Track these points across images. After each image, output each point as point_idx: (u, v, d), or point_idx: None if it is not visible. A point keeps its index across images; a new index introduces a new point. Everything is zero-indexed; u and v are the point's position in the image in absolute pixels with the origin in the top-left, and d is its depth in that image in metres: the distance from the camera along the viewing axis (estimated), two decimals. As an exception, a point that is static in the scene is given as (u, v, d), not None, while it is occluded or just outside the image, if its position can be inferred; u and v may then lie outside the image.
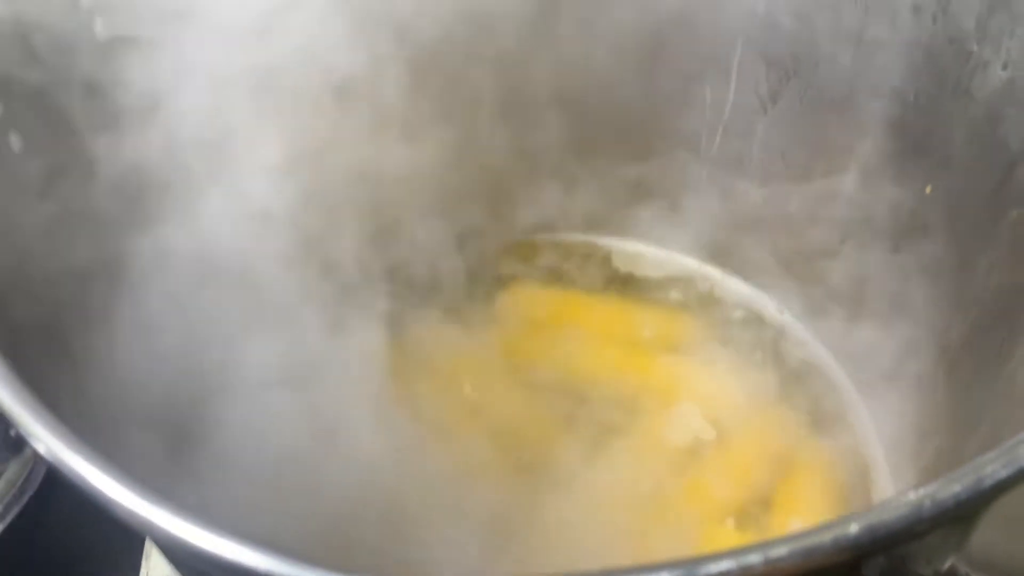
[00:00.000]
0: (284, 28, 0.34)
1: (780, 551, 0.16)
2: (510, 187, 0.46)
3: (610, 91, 0.44)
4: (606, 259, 0.49)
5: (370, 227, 0.40)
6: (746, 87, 0.42)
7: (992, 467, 0.17)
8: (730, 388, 0.44)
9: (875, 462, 0.41)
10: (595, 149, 0.45)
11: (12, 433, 0.38)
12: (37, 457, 0.39)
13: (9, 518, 0.38)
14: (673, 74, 0.43)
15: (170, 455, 0.29)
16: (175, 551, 0.24)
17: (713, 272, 0.48)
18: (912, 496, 0.17)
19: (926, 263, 0.38)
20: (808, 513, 0.39)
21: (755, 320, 0.47)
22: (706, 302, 0.48)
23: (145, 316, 0.31)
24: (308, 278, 0.37)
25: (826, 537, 0.16)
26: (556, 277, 0.48)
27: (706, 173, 0.46)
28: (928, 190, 0.37)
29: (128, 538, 0.39)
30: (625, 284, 0.48)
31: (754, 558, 0.16)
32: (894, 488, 0.40)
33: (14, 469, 0.39)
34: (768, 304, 0.47)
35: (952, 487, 0.17)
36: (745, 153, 0.44)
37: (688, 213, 0.47)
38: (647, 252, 0.49)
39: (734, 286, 0.48)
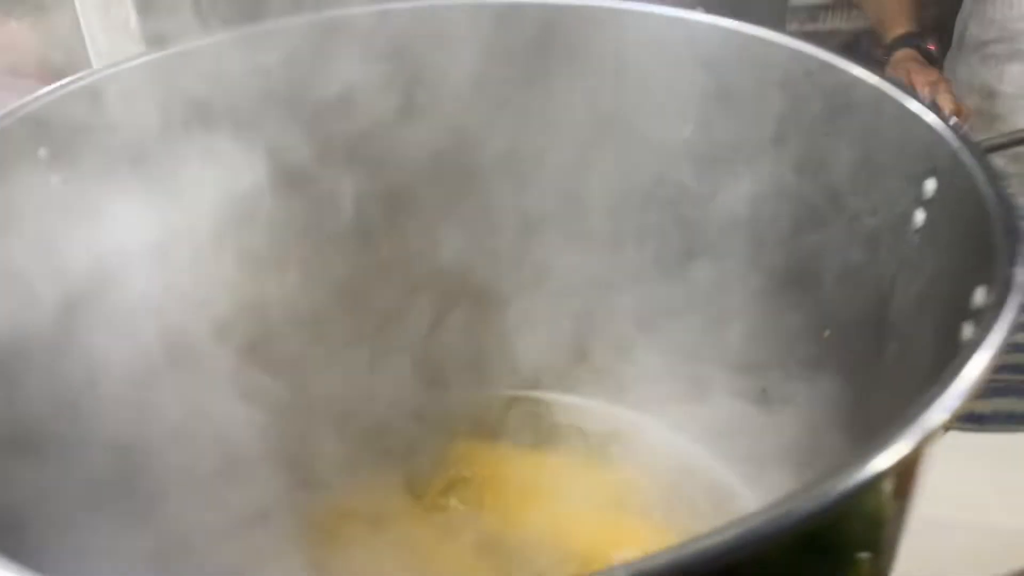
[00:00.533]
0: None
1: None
2: (448, 350, 0.48)
3: (548, 254, 0.47)
4: (548, 413, 0.51)
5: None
6: (663, 247, 0.45)
7: (758, 521, 0.18)
8: (672, 542, 0.44)
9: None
10: (533, 311, 0.48)
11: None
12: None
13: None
14: (604, 235, 0.47)
15: None
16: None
17: (652, 425, 0.49)
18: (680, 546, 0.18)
19: (830, 409, 0.39)
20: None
21: (694, 474, 0.47)
22: (646, 456, 0.48)
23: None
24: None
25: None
26: (498, 433, 0.49)
27: (641, 333, 0.48)
28: (826, 335, 0.39)
29: None
30: (567, 439, 0.49)
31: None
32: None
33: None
34: (705, 458, 0.48)
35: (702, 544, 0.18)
36: (671, 311, 0.46)
37: (627, 370, 0.49)
38: (589, 406, 0.51)
39: (674, 441, 0.49)
